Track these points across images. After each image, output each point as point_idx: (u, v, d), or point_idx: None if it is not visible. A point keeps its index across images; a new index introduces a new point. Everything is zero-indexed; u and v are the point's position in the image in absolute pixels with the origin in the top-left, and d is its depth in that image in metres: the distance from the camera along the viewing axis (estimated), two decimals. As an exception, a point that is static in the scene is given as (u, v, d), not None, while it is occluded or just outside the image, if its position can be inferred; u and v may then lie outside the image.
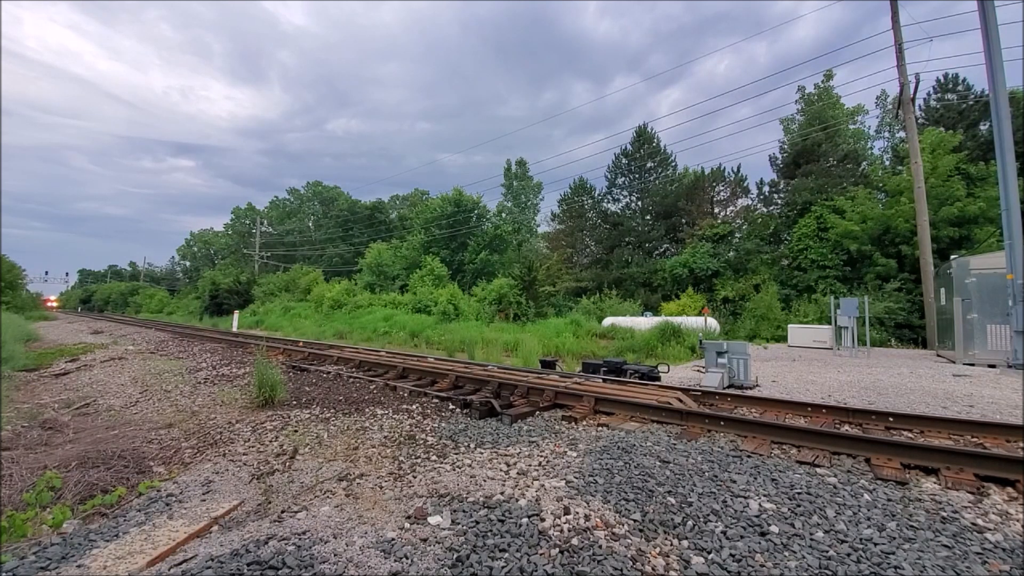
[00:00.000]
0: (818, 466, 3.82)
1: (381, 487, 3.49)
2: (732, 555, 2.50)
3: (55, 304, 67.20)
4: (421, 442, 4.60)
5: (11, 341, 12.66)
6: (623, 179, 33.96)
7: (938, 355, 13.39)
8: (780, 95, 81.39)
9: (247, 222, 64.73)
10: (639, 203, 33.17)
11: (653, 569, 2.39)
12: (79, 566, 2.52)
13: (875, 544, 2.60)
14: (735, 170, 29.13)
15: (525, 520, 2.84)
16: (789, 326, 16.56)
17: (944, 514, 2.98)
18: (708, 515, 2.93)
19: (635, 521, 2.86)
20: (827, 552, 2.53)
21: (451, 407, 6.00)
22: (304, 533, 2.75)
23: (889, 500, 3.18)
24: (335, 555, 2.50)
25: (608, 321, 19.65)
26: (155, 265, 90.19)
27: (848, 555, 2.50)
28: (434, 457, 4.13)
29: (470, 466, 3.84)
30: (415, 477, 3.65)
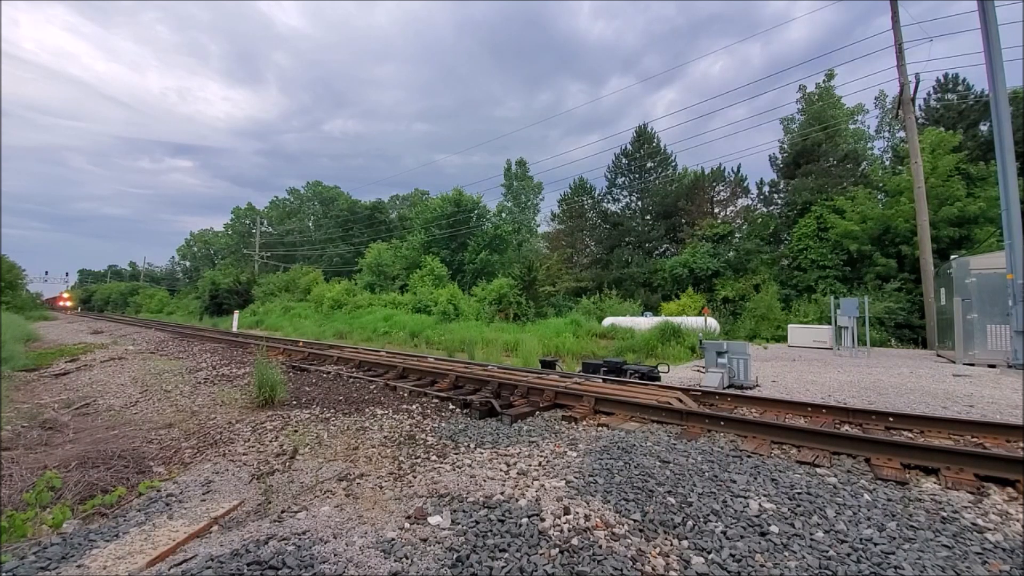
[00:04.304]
0: (818, 466, 3.82)
1: (381, 487, 3.49)
2: (732, 555, 2.50)
3: (69, 302, 63.51)
4: (421, 442, 4.60)
5: (11, 341, 12.66)
6: (623, 179, 33.98)
7: (938, 355, 13.39)
8: (776, 96, 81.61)
9: (247, 222, 64.74)
10: (639, 203, 33.17)
11: (653, 569, 2.39)
12: (79, 566, 2.52)
13: (875, 544, 2.60)
14: (735, 170, 29.17)
15: (525, 520, 2.84)
16: (789, 326, 16.56)
17: (944, 514, 2.98)
18: (708, 515, 2.93)
19: (635, 521, 2.86)
20: (827, 552, 2.53)
21: (451, 407, 6.00)
22: (304, 533, 2.75)
23: (889, 500, 3.18)
24: (335, 555, 2.50)
25: (608, 321, 19.65)
26: (155, 265, 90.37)
27: (848, 555, 2.50)
28: (434, 457, 4.13)
29: (470, 466, 3.84)
30: (415, 477, 3.65)
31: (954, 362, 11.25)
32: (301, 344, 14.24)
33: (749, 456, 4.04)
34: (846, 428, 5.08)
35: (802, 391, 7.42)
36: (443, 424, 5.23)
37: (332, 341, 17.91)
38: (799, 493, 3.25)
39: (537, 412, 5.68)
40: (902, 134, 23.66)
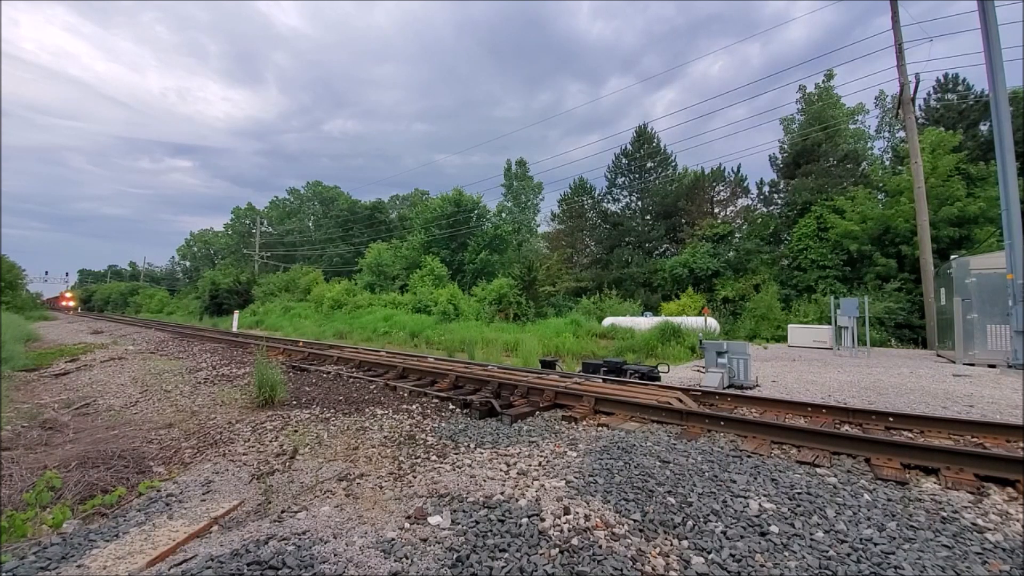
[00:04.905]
0: (818, 466, 3.82)
1: (381, 487, 3.49)
2: (732, 555, 2.50)
3: (72, 302, 62.45)
4: (421, 442, 4.60)
5: (11, 341, 12.66)
6: (623, 179, 33.99)
7: (938, 355, 13.39)
8: (775, 96, 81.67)
9: (247, 222, 64.76)
10: (639, 203, 33.19)
11: (653, 569, 2.39)
12: (79, 566, 2.52)
13: (875, 544, 2.60)
14: (735, 170, 29.18)
15: (525, 520, 2.84)
16: (789, 326, 16.56)
17: (944, 514, 2.98)
18: (708, 515, 2.93)
19: (635, 521, 2.86)
20: (827, 552, 2.53)
21: (451, 407, 6.00)
22: (304, 533, 2.75)
23: (889, 500, 3.18)
24: (335, 555, 2.50)
25: (608, 321, 19.65)
26: (155, 265, 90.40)
27: (848, 555, 2.50)
28: (434, 457, 4.13)
29: (470, 466, 3.84)
30: (415, 477, 3.65)
31: (954, 362, 11.25)
32: (301, 344, 14.24)
33: (749, 456, 4.04)
34: (846, 428, 5.08)
35: (802, 391, 7.42)
36: (443, 424, 5.23)
37: (332, 341, 17.91)
38: (799, 493, 3.25)
39: (537, 412, 5.68)
40: (902, 134, 23.67)
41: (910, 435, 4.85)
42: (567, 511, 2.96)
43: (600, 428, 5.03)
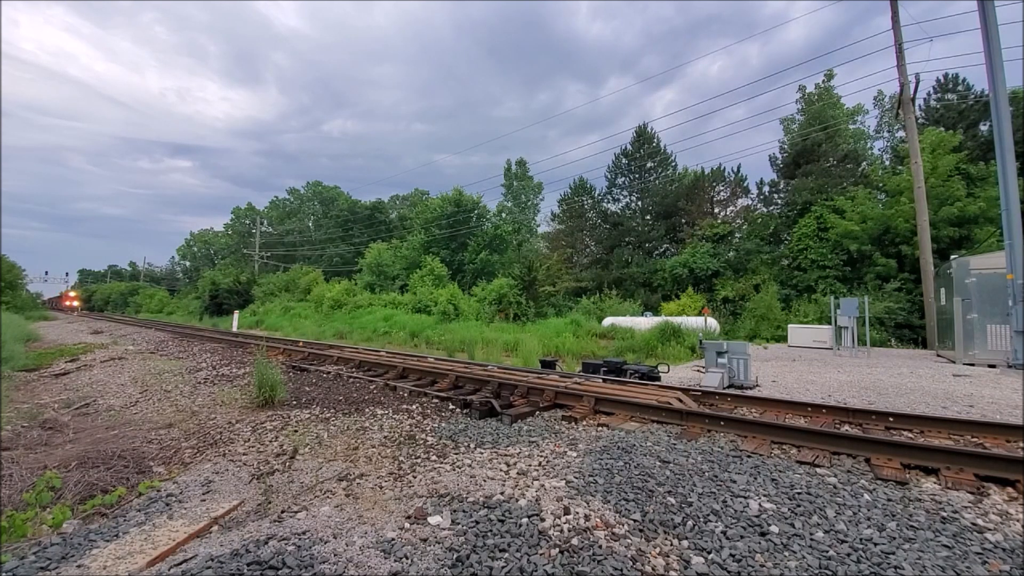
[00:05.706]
0: (818, 466, 3.81)
1: (381, 487, 3.49)
2: (732, 555, 2.50)
3: (76, 302, 61.49)
4: (421, 442, 4.60)
5: (11, 341, 12.66)
6: (623, 179, 34.02)
7: (938, 355, 13.39)
8: (775, 96, 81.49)
9: (247, 222, 64.81)
10: (639, 203, 33.20)
11: (653, 569, 2.39)
12: (79, 566, 2.52)
13: (875, 544, 2.60)
14: (735, 170, 29.19)
15: (525, 520, 2.84)
16: (789, 326, 16.56)
17: (944, 514, 2.98)
18: (708, 515, 2.93)
19: (635, 521, 2.86)
20: (827, 552, 2.53)
21: (451, 407, 6.00)
22: (304, 533, 2.75)
23: (889, 500, 3.18)
24: (335, 555, 2.50)
25: (608, 321, 19.65)
26: (155, 265, 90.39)
27: (848, 555, 2.50)
28: (434, 457, 4.13)
29: (470, 466, 3.84)
30: (415, 477, 3.65)
31: (954, 362, 11.25)
32: (301, 344, 14.23)
33: (749, 456, 4.04)
34: (846, 428, 5.08)
35: (802, 391, 7.41)
36: (443, 424, 5.23)
37: (332, 341, 17.91)
38: (799, 493, 3.25)
39: (537, 412, 5.68)
40: (902, 134, 23.68)
41: (910, 435, 4.84)
42: (567, 511, 2.96)
43: (600, 428, 5.03)
